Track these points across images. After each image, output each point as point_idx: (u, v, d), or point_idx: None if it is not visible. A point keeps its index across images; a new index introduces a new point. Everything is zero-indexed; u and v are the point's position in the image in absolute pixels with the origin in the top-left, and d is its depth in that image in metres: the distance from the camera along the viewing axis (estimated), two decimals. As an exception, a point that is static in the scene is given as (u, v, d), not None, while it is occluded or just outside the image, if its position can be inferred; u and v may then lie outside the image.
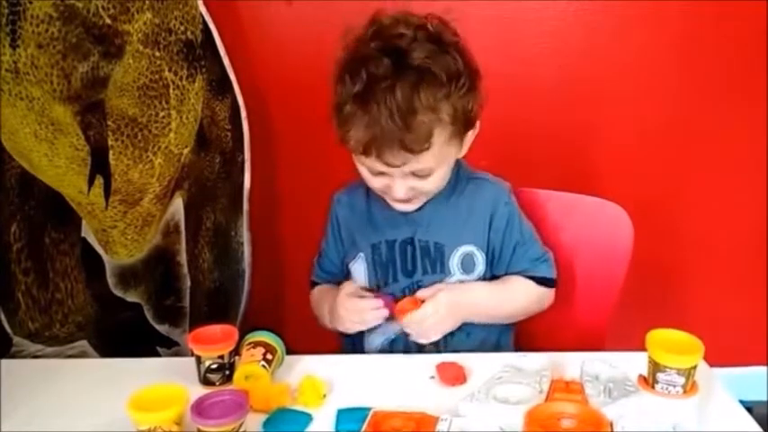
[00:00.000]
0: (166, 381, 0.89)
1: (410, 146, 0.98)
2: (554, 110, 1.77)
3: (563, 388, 0.90)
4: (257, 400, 0.92)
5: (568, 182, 1.34)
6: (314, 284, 1.26)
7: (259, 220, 1.74)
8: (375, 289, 1.15)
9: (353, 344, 1.16)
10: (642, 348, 0.86)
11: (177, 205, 1.57)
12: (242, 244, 1.71)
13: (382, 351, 1.15)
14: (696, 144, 1.80)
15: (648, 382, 0.86)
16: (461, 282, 1.13)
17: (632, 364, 0.92)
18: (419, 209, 1.13)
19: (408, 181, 1.05)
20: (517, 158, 1.63)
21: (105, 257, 1.44)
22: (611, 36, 1.72)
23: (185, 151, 1.53)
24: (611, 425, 0.84)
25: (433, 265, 1.13)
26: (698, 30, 1.72)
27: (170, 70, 1.47)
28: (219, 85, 1.60)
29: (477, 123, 1.10)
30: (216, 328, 1.03)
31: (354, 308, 1.09)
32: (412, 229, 1.14)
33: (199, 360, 1.00)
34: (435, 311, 1.07)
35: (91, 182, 1.37)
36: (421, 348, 1.11)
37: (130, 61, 1.39)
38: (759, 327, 1.91)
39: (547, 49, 1.73)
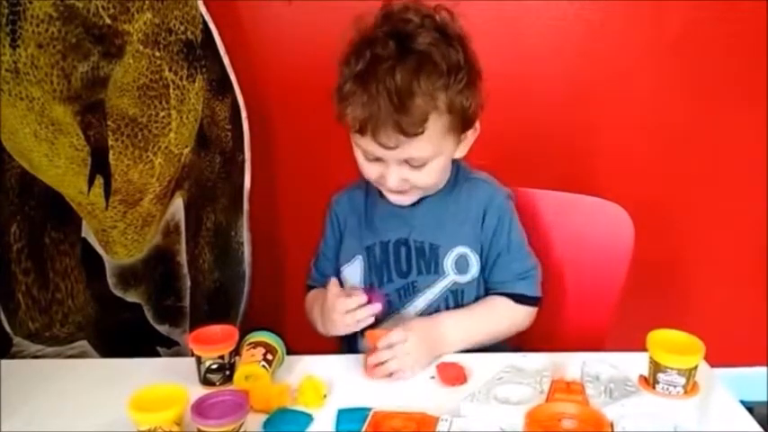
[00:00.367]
0: (166, 381, 0.89)
1: (405, 128, 0.98)
2: (554, 110, 1.77)
3: (564, 388, 0.89)
4: (257, 400, 0.92)
5: (569, 182, 1.34)
6: (309, 288, 1.25)
7: (259, 221, 1.74)
8: (368, 287, 1.14)
9: (348, 344, 1.16)
10: (643, 349, 0.86)
11: (177, 205, 1.57)
12: (242, 244, 1.71)
13: None
14: (696, 144, 1.80)
15: (649, 382, 0.86)
16: (455, 283, 1.13)
17: (633, 364, 0.92)
18: (416, 208, 1.13)
19: (402, 170, 1.05)
20: (517, 158, 1.63)
21: (105, 257, 1.44)
22: (612, 36, 1.73)
23: (185, 151, 1.53)
24: (612, 425, 0.84)
25: (428, 265, 1.13)
26: (698, 30, 1.72)
27: (170, 70, 1.47)
28: (220, 85, 1.60)
29: (478, 125, 1.10)
30: (216, 329, 1.03)
31: (344, 308, 1.06)
32: (408, 230, 1.14)
33: (199, 360, 1.00)
34: (408, 352, 1.02)
35: (91, 182, 1.37)
36: None
37: (130, 61, 1.39)
38: (760, 327, 1.91)
39: (547, 50, 1.73)
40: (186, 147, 1.53)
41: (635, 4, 1.69)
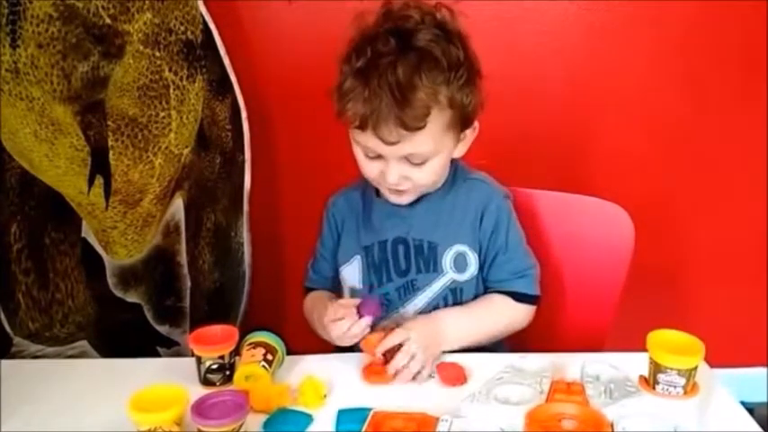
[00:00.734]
0: (166, 381, 0.89)
1: (406, 122, 0.99)
2: (554, 110, 1.77)
3: (564, 389, 0.90)
4: (257, 400, 0.92)
5: (569, 182, 1.34)
6: (307, 291, 1.25)
7: (259, 221, 1.74)
8: (363, 295, 1.14)
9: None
10: (643, 349, 0.86)
11: (177, 206, 1.57)
12: (242, 244, 1.71)
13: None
14: (696, 144, 1.80)
15: (649, 382, 0.86)
16: (454, 281, 1.13)
17: (633, 364, 0.92)
18: (414, 207, 1.13)
19: (403, 167, 1.05)
20: (518, 159, 1.63)
21: (105, 258, 1.44)
22: (613, 36, 1.73)
23: (185, 151, 1.53)
24: (612, 426, 0.84)
25: (427, 263, 1.13)
26: (698, 30, 1.72)
27: (170, 70, 1.47)
28: (220, 86, 1.60)
29: (476, 124, 1.10)
30: (216, 329, 1.03)
31: (339, 331, 1.05)
32: (406, 228, 1.14)
33: (199, 360, 1.00)
34: (413, 353, 1.01)
35: (91, 182, 1.37)
36: None
37: (130, 61, 1.39)
38: (760, 327, 1.91)
39: (548, 50, 1.73)
40: (186, 147, 1.53)
41: (636, 4, 1.69)
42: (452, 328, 1.09)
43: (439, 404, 0.91)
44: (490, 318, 1.13)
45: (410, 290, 1.14)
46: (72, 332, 1.39)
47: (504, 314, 1.13)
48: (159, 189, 1.48)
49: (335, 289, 1.22)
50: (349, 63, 1.04)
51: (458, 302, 1.14)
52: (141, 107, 1.42)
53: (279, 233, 1.85)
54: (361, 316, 1.03)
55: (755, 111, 1.77)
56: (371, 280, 1.16)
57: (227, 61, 1.60)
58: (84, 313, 1.41)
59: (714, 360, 0.94)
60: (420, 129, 1.00)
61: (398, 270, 1.15)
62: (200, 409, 0.85)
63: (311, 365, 1.05)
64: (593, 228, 1.27)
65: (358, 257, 1.17)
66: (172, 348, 1.59)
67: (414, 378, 1.01)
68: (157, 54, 1.44)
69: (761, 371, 1.94)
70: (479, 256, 1.14)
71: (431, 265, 1.13)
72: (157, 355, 1.56)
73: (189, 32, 1.50)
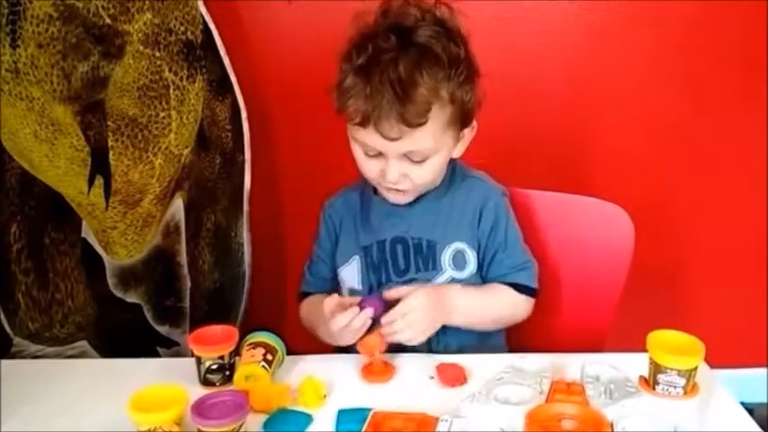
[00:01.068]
0: (166, 381, 0.89)
1: (408, 118, 0.99)
2: (554, 110, 1.77)
3: (564, 389, 0.90)
4: (257, 400, 0.92)
5: (568, 182, 1.34)
6: (304, 295, 1.24)
7: (259, 221, 1.74)
8: (364, 296, 1.13)
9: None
10: (643, 349, 0.86)
11: (177, 206, 1.56)
12: (242, 244, 1.71)
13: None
14: (696, 144, 1.80)
15: (649, 383, 0.86)
16: (453, 279, 1.13)
17: (633, 365, 0.92)
18: (412, 207, 1.13)
19: (403, 164, 1.05)
20: (517, 159, 1.63)
21: (105, 258, 1.44)
22: (613, 36, 1.73)
23: (185, 152, 1.53)
24: (612, 426, 0.84)
25: (425, 262, 1.13)
26: (698, 30, 1.72)
27: (170, 70, 1.47)
28: (220, 86, 1.60)
29: (475, 123, 1.11)
30: (216, 329, 1.03)
31: (338, 326, 1.04)
32: (405, 227, 1.14)
33: (199, 360, 1.00)
34: (416, 307, 1.02)
35: (91, 182, 1.37)
36: (414, 347, 1.09)
37: (130, 61, 1.39)
38: (760, 328, 1.91)
39: (548, 50, 1.73)
40: (186, 147, 1.53)
41: (636, 4, 1.69)
42: (461, 302, 1.09)
43: (439, 404, 0.91)
44: (496, 301, 1.14)
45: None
46: (72, 332, 1.39)
47: (508, 302, 1.14)
48: (159, 189, 1.48)
49: (333, 292, 1.21)
50: (349, 60, 1.04)
51: None
52: (141, 107, 1.42)
53: (279, 233, 1.85)
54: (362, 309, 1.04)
55: (755, 111, 1.77)
56: (371, 280, 1.16)
57: (227, 61, 1.60)
58: (84, 313, 1.41)
59: (714, 360, 0.94)
60: (421, 125, 1.00)
61: (397, 270, 1.15)
62: (200, 409, 0.85)
63: (311, 365, 1.05)
64: (593, 228, 1.27)
65: (357, 258, 1.17)
66: (172, 348, 1.59)
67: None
68: (157, 54, 1.44)
69: (761, 371, 1.94)
70: (478, 254, 1.14)
71: (430, 263, 1.13)
72: (157, 355, 1.56)
73: (189, 32, 1.50)
